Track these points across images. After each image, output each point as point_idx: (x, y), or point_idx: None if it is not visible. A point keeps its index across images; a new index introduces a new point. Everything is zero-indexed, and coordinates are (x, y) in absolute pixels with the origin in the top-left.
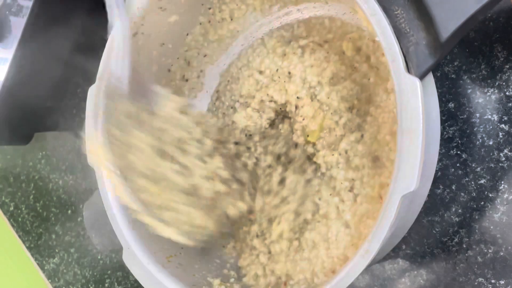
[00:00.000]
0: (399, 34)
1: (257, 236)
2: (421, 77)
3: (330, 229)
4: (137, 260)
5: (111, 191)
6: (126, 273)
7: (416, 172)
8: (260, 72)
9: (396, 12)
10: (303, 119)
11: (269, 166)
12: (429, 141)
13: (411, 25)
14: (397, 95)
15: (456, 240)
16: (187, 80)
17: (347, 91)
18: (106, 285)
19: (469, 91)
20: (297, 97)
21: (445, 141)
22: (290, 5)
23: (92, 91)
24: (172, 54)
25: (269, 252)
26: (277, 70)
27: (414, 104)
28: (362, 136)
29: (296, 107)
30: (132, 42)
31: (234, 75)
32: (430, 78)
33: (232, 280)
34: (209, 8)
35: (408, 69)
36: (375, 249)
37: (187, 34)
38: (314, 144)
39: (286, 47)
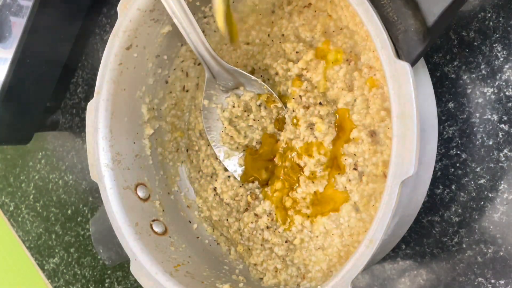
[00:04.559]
0: (387, 23)
1: (267, 227)
2: (413, 63)
3: (340, 213)
4: (145, 270)
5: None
6: (126, 273)
7: (413, 156)
8: (248, 44)
9: (382, 2)
10: (307, 71)
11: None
12: (426, 127)
13: (399, 13)
14: (389, 81)
15: (456, 240)
16: (187, 91)
17: (341, 43)
18: (106, 285)
19: (469, 91)
20: (296, 52)
21: (445, 141)
22: None
23: (91, 106)
24: (169, 66)
25: (286, 242)
26: (268, 35)
27: (406, 89)
28: (355, 100)
29: (298, 60)
30: (128, 53)
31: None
32: (423, 67)
33: (241, 285)
34: (204, 17)
35: (399, 57)
36: (378, 238)
37: (181, 45)
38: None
39: (271, 16)
